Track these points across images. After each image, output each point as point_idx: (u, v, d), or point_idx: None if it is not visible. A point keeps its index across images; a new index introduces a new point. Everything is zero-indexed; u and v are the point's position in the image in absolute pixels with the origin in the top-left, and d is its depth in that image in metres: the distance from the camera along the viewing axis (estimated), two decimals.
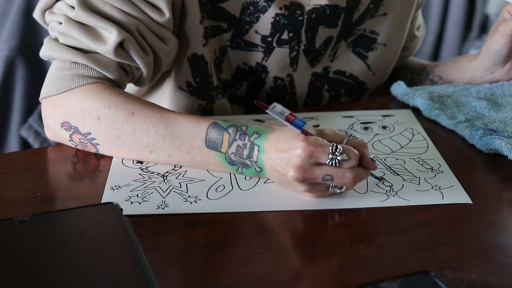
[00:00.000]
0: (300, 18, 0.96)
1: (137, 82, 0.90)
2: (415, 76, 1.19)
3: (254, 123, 0.76)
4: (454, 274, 0.61)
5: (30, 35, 1.28)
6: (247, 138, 0.74)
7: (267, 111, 0.69)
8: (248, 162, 0.75)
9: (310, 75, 1.04)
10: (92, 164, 0.81)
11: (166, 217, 0.70)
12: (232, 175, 0.78)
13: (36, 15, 0.88)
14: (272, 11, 0.94)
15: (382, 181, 0.77)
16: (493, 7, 2.54)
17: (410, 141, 0.89)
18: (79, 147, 0.83)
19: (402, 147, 0.87)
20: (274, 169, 0.73)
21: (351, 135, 0.72)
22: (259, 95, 1.03)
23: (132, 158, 0.81)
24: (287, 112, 0.69)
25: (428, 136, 0.90)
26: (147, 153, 0.79)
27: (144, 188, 0.75)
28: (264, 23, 0.96)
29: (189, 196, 0.74)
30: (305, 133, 0.70)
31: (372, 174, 0.75)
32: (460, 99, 1.01)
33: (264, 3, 0.94)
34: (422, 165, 0.82)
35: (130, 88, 1.02)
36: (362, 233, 0.68)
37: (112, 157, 0.82)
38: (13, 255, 0.58)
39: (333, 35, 1.02)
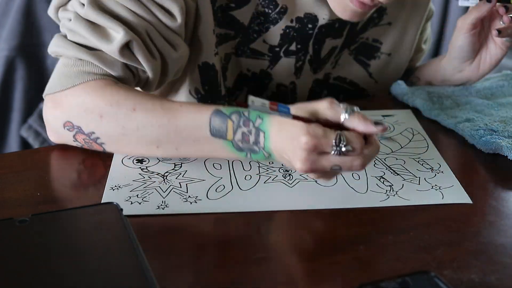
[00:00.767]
0: (311, 32, 0.96)
1: (144, 86, 0.89)
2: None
3: None
4: (454, 274, 0.61)
5: (30, 35, 1.28)
6: (251, 124, 0.72)
7: (248, 108, 0.67)
8: (256, 148, 0.73)
9: (312, 81, 1.05)
10: (92, 164, 0.81)
11: (166, 217, 0.70)
12: (232, 175, 0.78)
13: (51, 12, 0.87)
14: (282, 23, 0.94)
15: (393, 141, 0.76)
16: None
17: (410, 141, 0.89)
18: (85, 147, 0.82)
19: (402, 147, 0.87)
20: (282, 156, 0.71)
21: (347, 108, 0.69)
22: None
23: (140, 155, 0.80)
24: (267, 102, 0.66)
25: (428, 136, 0.90)
26: (154, 148, 0.78)
27: (144, 188, 0.75)
28: (274, 35, 0.96)
29: (189, 196, 0.74)
30: (298, 118, 0.67)
31: (382, 137, 0.73)
32: (460, 99, 1.01)
33: (275, 15, 0.93)
34: (422, 165, 0.82)
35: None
36: (362, 233, 0.68)
37: (112, 157, 0.82)
38: (13, 255, 0.58)
39: (338, 45, 1.02)
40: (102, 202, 0.73)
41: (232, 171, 0.79)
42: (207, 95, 0.97)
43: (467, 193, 0.75)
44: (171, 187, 0.76)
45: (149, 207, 0.72)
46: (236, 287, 0.60)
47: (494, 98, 1.02)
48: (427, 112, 0.97)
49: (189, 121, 0.75)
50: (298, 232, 0.69)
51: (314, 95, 1.06)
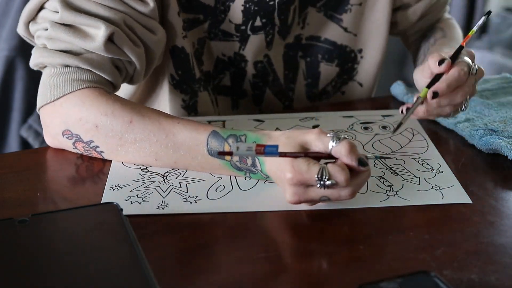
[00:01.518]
0: (271, 3, 0.95)
1: (131, 79, 0.89)
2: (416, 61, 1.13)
3: (252, 130, 0.75)
4: (454, 274, 0.61)
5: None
6: None
7: (234, 155, 0.68)
8: (254, 170, 0.75)
9: (283, 47, 1.03)
10: (92, 164, 0.81)
11: (166, 217, 0.70)
12: (232, 175, 0.78)
13: (20, 29, 0.86)
14: None
15: (384, 159, 0.76)
16: (493, 7, 2.55)
17: (410, 141, 0.89)
18: (85, 154, 0.82)
19: (402, 147, 0.87)
20: (277, 182, 0.73)
21: (334, 136, 0.68)
22: (243, 84, 1.03)
23: (139, 164, 0.80)
24: (253, 145, 0.67)
25: (428, 136, 0.90)
26: (152, 160, 0.79)
27: (144, 188, 0.75)
28: (236, 12, 0.96)
29: (189, 196, 0.74)
30: (285, 155, 0.68)
31: (375, 157, 0.74)
32: None
33: None
34: (422, 165, 0.82)
35: (128, 88, 1.02)
36: (362, 233, 0.68)
37: None
38: (13, 255, 0.58)
39: (295, 3, 0.99)
40: (102, 202, 0.73)
41: None
42: (181, 79, 0.97)
43: (467, 193, 0.75)
44: (171, 187, 0.76)
45: (149, 207, 0.72)
46: (236, 287, 0.60)
47: (494, 98, 1.02)
48: None
49: (187, 139, 0.76)
50: (298, 232, 0.69)
51: (289, 58, 1.04)
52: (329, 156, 0.69)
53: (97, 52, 0.81)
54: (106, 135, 0.78)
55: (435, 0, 1.07)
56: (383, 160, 0.83)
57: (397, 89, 1.05)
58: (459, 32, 1.08)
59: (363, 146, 0.87)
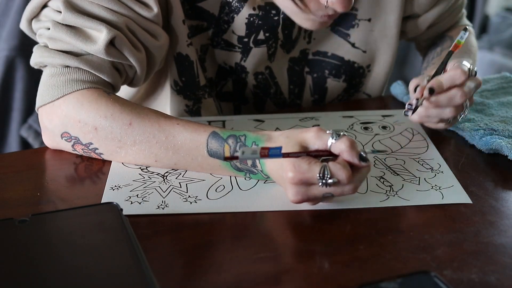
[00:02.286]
0: (276, 18, 0.95)
1: (131, 82, 0.89)
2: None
3: (251, 131, 0.75)
4: (454, 274, 0.61)
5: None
6: None
7: (239, 160, 0.69)
8: (254, 170, 0.75)
9: (287, 61, 1.03)
10: (92, 164, 0.81)
11: (166, 217, 0.70)
12: (232, 175, 0.78)
13: (23, 25, 0.86)
14: (245, 12, 0.94)
15: (383, 152, 0.76)
16: (493, 7, 2.54)
17: (410, 141, 0.89)
18: (84, 156, 0.82)
19: (402, 147, 0.87)
20: (278, 182, 0.73)
21: (333, 133, 0.69)
22: (245, 92, 1.03)
23: (140, 165, 0.80)
24: (258, 149, 0.67)
25: (428, 136, 0.90)
26: (152, 161, 0.79)
27: (144, 188, 0.75)
28: (239, 24, 0.95)
29: (189, 196, 0.74)
30: (288, 155, 0.68)
31: (373, 151, 0.75)
32: None
33: (236, 4, 0.93)
34: (422, 165, 0.82)
35: (127, 90, 1.01)
36: (362, 233, 0.68)
37: None
38: (13, 255, 0.58)
39: None
40: (102, 202, 0.73)
41: None
42: (185, 86, 0.97)
43: (467, 193, 0.75)
44: (171, 187, 0.76)
45: (149, 207, 0.72)
46: (236, 287, 0.60)
47: (494, 98, 1.02)
48: None
49: (186, 141, 0.76)
50: (298, 232, 0.69)
51: (295, 73, 1.04)
52: (330, 154, 0.69)
53: (97, 55, 0.81)
54: (105, 138, 0.78)
55: (445, 10, 1.06)
56: (383, 160, 0.83)
57: (397, 89, 1.05)
58: (468, 42, 1.05)
59: (363, 146, 0.87)
